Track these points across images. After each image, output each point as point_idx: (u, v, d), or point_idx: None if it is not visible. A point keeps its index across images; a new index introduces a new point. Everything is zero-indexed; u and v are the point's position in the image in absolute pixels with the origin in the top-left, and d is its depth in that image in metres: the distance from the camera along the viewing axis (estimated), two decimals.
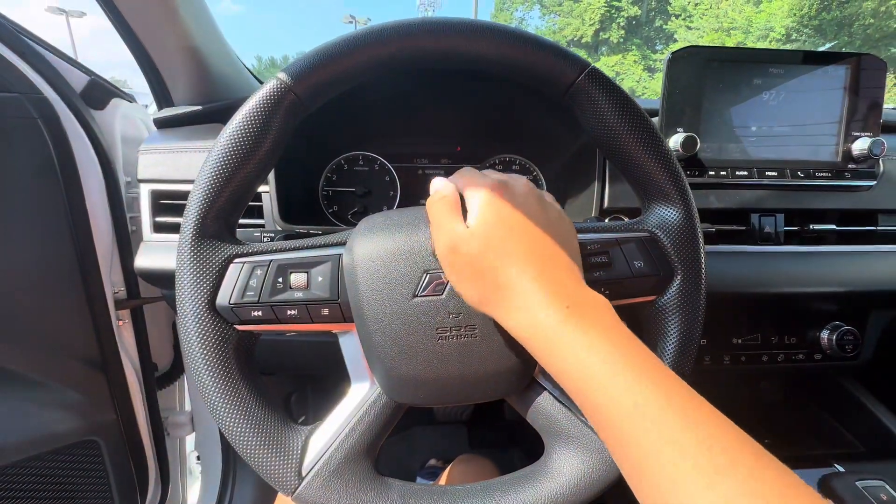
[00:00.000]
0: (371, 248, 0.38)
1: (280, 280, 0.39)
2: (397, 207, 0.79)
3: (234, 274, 0.39)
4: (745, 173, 0.64)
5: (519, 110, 0.71)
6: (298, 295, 0.39)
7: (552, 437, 0.40)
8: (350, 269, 0.38)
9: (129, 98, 0.85)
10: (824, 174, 0.65)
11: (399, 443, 1.30)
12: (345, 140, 0.79)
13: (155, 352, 0.91)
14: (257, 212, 0.64)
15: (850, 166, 0.66)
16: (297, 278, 0.39)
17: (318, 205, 0.79)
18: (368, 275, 0.37)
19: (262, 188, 0.63)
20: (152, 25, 0.66)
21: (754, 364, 0.70)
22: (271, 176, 0.61)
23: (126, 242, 0.77)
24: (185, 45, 0.68)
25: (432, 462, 1.29)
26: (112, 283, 0.77)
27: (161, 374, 0.99)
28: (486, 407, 1.35)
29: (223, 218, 0.39)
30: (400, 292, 0.37)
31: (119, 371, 0.79)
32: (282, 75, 0.38)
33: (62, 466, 0.74)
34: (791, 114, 0.65)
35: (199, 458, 1.13)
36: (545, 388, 0.41)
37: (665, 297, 0.41)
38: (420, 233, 0.38)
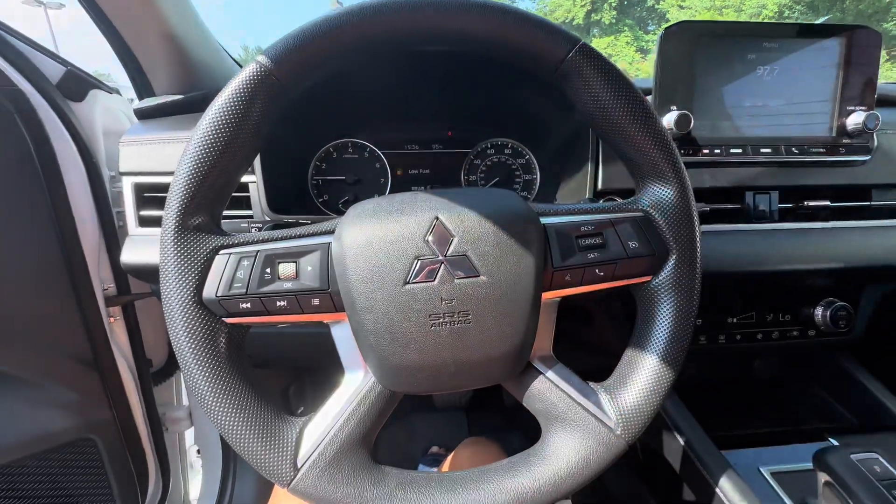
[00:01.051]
0: (360, 236, 0.37)
1: (268, 271, 0.38)
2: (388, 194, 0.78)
3: (221, 266, 0.38)
4: (740, 150, 0.64)
5: (510, 93, 0.69)
6: (287, 286, 0.38)
7: (549, 420, 0.40)
8: (339, 257, 0.37)
9: (110, 90, 0.82)
10: (818, 150, 0.65)
11: (399, 430, 1.31)
12: (333, 127, 0.77)
13: (150, 347, 0.90)
14: (245, 203, 0.62)
15: (844, 141, 0.65)
16: (285, 268, 0.38)
17: (308, 194, 0.77)
18: (358, 263, 0.37)
19: (248, 178, 0.61)
20: (128, 12, 0.64)
21: (749, 342, 0.70)
22: (258, 165, 0.60)
23: (113, 238, 0.76)
24: (164, 32, 0.65)
25: (434, 449, 1.30)
26: (101, 279, 0.76)
27: (157, 370, 0.98)
28: (485, 393, 1.36)
29: (207, 209, 0.38)
30: (391, 279, 0.36)
31: (113, 368, 0.78)
32: (261, 58, 0.37)
33: (59, 465, 0.74)
34: (785, 89, 0.64)
35: (199, 451, 1.13)
36: (541, 373, 0.41)
37: (660, 278, 0.40)
38: (410, 218, 0.37)
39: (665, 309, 0.40)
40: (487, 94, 0.71)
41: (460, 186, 0.80)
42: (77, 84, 0.75)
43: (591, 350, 0.73)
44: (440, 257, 0.37)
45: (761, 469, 0.55)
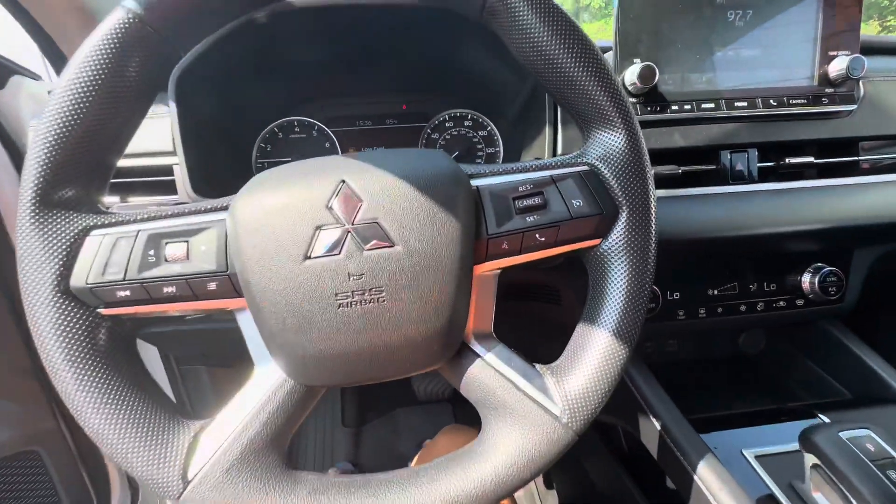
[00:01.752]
0: (255, 207, 0.32)
1: (152, 253, 0.33)
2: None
3: (93, 248, 0.32)
4: (712, 105, 0.58)
5: (459, 55, 0.64)
6: (176, 268, 0.33)
7: (488, 410, 0.35)
8: (233, 233, 0.32)
9: (35, 75, 0.76)
10: (799, 101, 0.59)
11: (382, 426, 1.26)
12: (277, 106, 0.71)
13: None
14: (170, 187, 0.57)
15: (827, 90, 0.60)
16: (173, 249, 0.33)
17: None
18: (252, 238, 0.31)
19: (171, 160, 0.56)
20: None
21: (732, 315, 0.65)
22: (179, 145, 0.54)
23: None
24: (73, 5, 0.59)
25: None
26: None
27: None
28: None
29: (77, 181, 0.33)
30: (288, 254, 0.31)
31: None
32: (130, 3, 0.31)
33: (1, 480, 0.69)
34: (760, 35, 0.58)
35: None
36: (478, 356, 0.36)
37: (610, 240, 0.35)
38: (313, 182, 0.32)
39: (616, 276, 0.35)
40: (437, 59, 0.66)
41: None
42: None
43: (548, 330, 0.67)
44: (346, 226, 0.31)
45: (744, 452, 0.50)
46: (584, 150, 0.37)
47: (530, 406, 0.34)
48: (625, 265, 0.35)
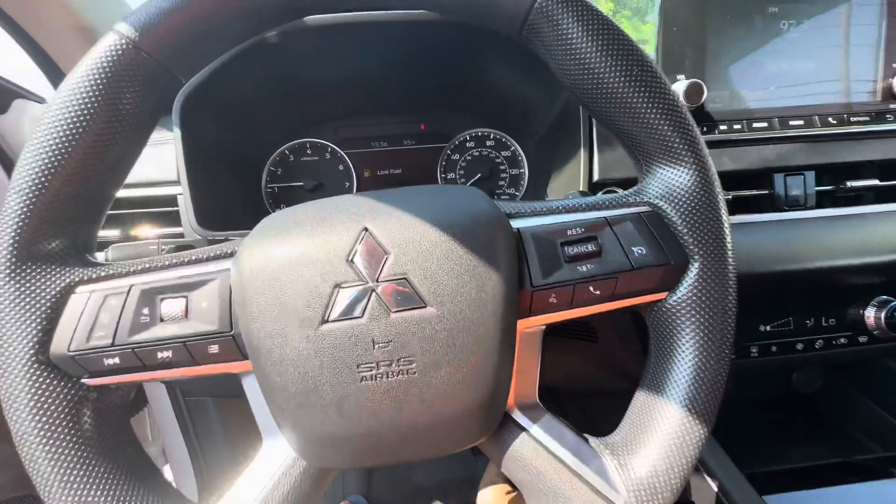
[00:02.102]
0: (263, 258, 0.27)
1: (146, 312, 0.28)
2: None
3: (77, 308, 0.28)
4: (765, 125, 0.53)
5: (484, 72, 0.59)
6: (172, 330, 0.28)
7: (537, 496, 0.30)
8: (239, 287, 0.27)
9: (39, 99, 0.73)
10: (861, 118, 0.54)
11: (397, 484, 1.20)
12: (288, 127, 0.67)
13: None
14: (174, 219, 0.53)
15: (891, 106, 0.54)
16: (170, 307, 0.28)
17: (263, 205, 0.68)
18: (260, 295, 0.27)
19: (174, 190, 0.52)
20: (34, 11, 0.55)
21: (787, 354, 0.58)
22: (183, 173, 0.50)
23: None
24: (76, 24, 0.56)
25: None
26: None
27: None
28: None
29: (62, 229, 0.28)
30: (302, 317, 0.26)
31: None
32: (123, 27, 0.27)
33: None
34: (817, 46, 0.52)
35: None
36: (523, 429, 0.30)
37: (678, 294, 0.30)
38: (330, 232, 0.27)
39: (688, 336, 0.29)
40: (459, 76, 0.61)
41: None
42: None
43: (585, 375, 0.62)
44: (370, 283, 0.26)
45: None
46: (642, 187, 0.32)
47: (587, 495, 0.28)
48: (698, 324, 0.29)
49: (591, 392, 0.56)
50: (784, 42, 0.52)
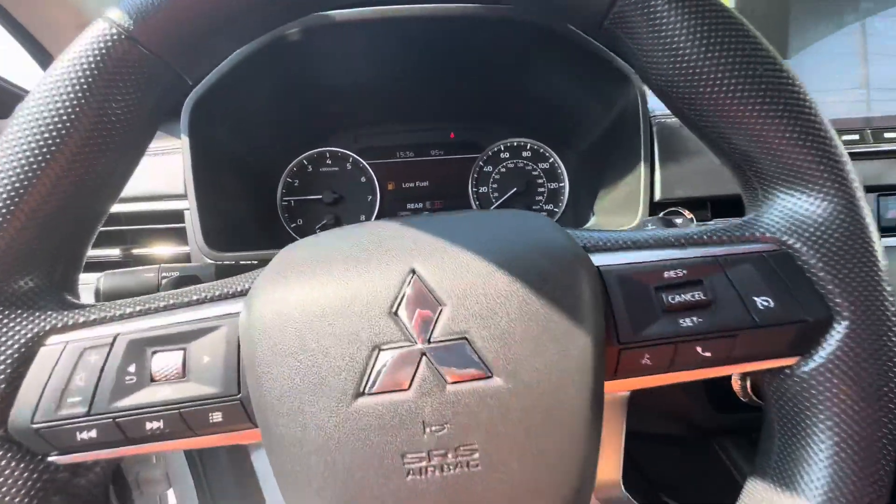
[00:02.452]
0: (281, 304, 0.21)
1: (132, 370, 0.22)
2: (374, 219, 0.62)
3: (47, 365, 0.22)
4: (856, 137, 0.46)
5: (526, 76, 0.53)
6: (166, 393, 0.22)
7: None
8: (249, 339, 0.21)
9: None
10: None
11: None
12: (306, 134, 0.62)
13: None
14: (179, 236, 0.47)
15: None
16: (163, 363, 0.22)
17: (279, 221, 0.62)
18: (275, 354, 0.20)
19: (179, 204, 0.46)
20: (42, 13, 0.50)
21: None
22: (190, 185, 0.45)
23: None
24: (83, 24, 0.51)
25: None
26: None
27: None
28: None
29: (31, 264, 0.23)
30: (331, 388, 0.20)
31: None
32: (115, 13, 0.22)
33: None
34: None
35: None
36: None
37: (817, 361, 0.23)
38: (367, 272, 0.21)
39: (829, 422, 0.22)
40: (496, 80, 0.55)
41: (467, 201, 0.63)
42: (1, 97, 0.63)
43: (632, 413, 0.55)
44: (419, 345, 0.20)
45: None
46: (757, 218, 0.25)
47: None
48: (844, 404, 0.22)
49: (636, 432, 0.49)
50: (879, 42, 0.45)
